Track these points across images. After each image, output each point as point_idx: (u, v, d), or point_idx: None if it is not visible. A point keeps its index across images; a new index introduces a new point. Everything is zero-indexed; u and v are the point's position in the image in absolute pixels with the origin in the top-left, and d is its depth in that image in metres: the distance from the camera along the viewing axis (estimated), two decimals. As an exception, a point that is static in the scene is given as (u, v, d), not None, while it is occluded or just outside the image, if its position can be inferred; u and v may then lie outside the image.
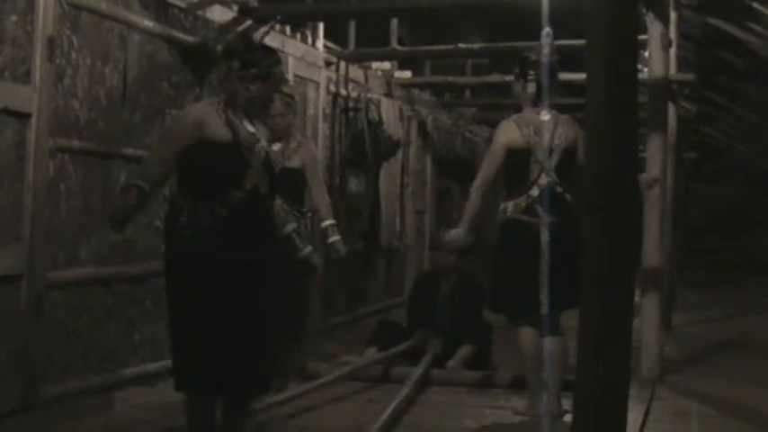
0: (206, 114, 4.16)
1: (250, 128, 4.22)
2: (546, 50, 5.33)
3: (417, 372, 6.02)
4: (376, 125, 8.97)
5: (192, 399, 4.19)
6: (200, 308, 4.07)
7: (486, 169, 5.41)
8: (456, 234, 5.58)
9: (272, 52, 4.44)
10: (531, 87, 5.39)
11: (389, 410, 5.02)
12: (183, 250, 4.11)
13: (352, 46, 8.96)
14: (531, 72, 5.40)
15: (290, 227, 5.34)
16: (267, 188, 4.23)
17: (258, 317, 4.20)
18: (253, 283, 4.15)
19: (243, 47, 4.37)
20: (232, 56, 4.32)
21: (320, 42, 8.37)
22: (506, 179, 5.39)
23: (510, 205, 5.31)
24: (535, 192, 5.25)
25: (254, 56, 4.27)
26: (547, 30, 5.35)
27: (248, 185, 4.13)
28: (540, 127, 5.33)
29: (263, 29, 6.75)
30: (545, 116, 5.37)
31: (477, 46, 9.27)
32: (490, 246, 5.78)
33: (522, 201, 5.27)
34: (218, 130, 4.12)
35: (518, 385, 5.88)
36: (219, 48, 6.10)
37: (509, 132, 5.36)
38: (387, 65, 10.00)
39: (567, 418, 5.11)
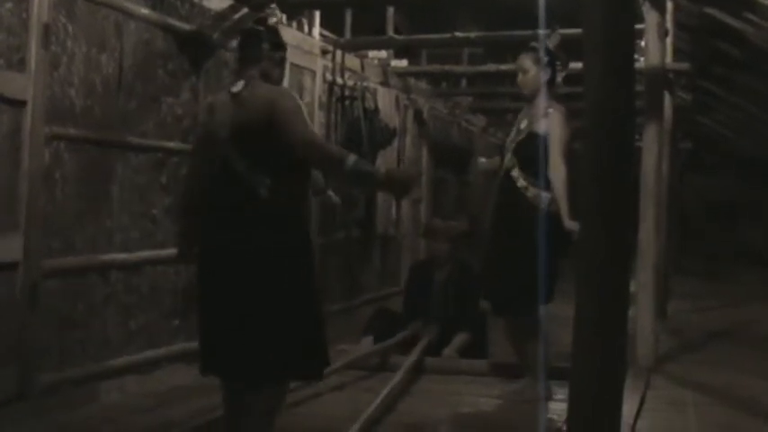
0: None
1: None
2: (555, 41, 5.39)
3: (410, 359, 6.05)
4: (372, 114, 8.96)
5: (285, 385, 4.13)
6: (313, 295, 4.02)
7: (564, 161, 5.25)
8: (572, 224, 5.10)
9: None
10: (561, 78, 5.41)
11: (377, 401, 5.03)
12: (306, 238, 4.02)
13: (348, 34, 8.94)
14: (559, 63, 5.41)
15: None
16: None
17: None
18: None
19: (268, 30, 4.26)
20: (262, 38, 4.14)
21: (316, 31, 8.35)
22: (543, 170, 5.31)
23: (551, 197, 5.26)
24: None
25: (281, 39, 4.21)
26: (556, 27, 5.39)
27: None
28: None
29: (273, 19, 6.73)
30: None
31: (473, 35, 9.23)
32: (521, 236, 5.33)
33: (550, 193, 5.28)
34: None
35: (514, 374, 5.90)
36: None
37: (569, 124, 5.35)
38: (383, 54, 9.99)
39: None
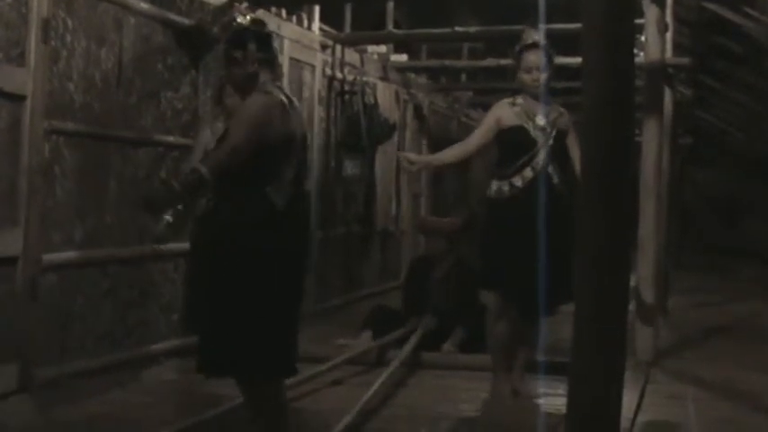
0: None
1: None
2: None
3: (405, 349, 6.06)
4: (372, 108, 8.97)
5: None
6: None
7: None
8: None
9: None
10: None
11: (370, 392, 5.06)
12: None
13: (348, 29, 8.94)
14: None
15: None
16: None
17: None
18: None
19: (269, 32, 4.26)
20: (273, 41, 4.23)
21: (316, 25, 8.35)
22: None
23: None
24: None
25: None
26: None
27: None
28: None
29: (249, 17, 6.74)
30: None
31: (473, 29, 9.23)
32: (569, 231, 5.53)
33: None
34: None
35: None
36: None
37: None
38: (383, 48, 9.99)
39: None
